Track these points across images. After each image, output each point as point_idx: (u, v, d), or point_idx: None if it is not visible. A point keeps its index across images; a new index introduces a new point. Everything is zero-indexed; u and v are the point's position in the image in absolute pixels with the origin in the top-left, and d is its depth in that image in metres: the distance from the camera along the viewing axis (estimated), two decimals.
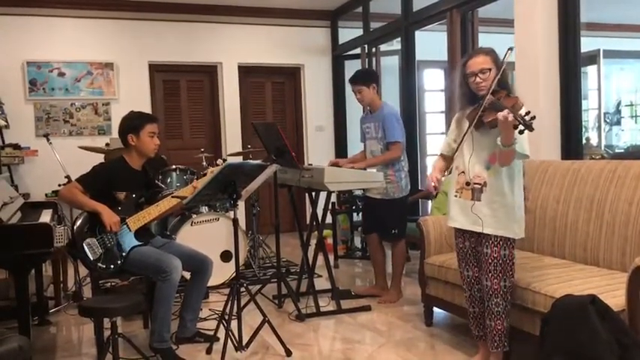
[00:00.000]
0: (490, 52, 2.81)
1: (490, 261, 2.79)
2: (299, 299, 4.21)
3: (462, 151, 2.86)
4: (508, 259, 2.79)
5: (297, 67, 7.71)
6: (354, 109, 7.54)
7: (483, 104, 2.66)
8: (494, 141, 2.66)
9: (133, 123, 3.37)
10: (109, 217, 3.19)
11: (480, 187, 2.80)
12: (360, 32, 7.10)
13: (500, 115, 2.49)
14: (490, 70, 2.75)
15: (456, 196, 2.90)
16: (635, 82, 8.91)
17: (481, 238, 2.83)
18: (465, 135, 2.78)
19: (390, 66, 7.02)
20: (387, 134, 4.23)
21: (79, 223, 3.24)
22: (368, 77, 4.37)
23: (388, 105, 4.42)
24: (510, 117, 2.45)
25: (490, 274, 2.79)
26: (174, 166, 4.98)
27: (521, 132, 2.45)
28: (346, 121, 7.68)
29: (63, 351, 3.56)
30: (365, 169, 4.26)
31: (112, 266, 3.24)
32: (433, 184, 2.83)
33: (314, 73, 7.71)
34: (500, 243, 2.78)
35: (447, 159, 2.99)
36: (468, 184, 2.83)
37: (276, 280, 4.34)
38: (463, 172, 2.86)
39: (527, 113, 2.44)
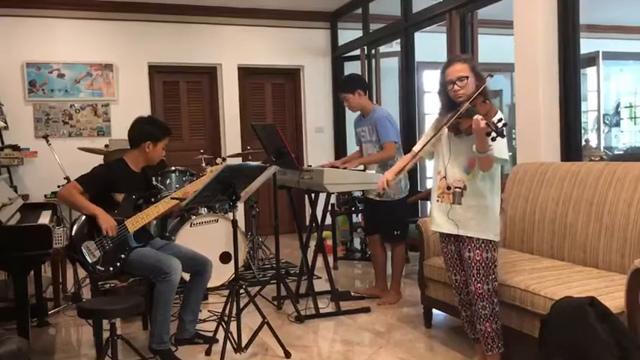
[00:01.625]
0: (467, 60, 2.85)
1: (473, 265, 2.81)
2: (298, 301, 4.21)
3: (442, 157, 2.90)
4: (490, 261, 2.81)
5: (296, 68, 7.71)
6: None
7: (460, 110, 2.70)
8: (471, 147, 2.70)
9: (153, 132, 3.39)
10: (105, 221, 3.19)
11: (460, 190, 2.83)
12: (359, 34, 7.10)
13: (473, 120, 2.54)
14: (467, 77, 2.78)
15: (438, 200, 2.93)
16: (635, 84, 8.91)
17: (463, 241, 2.85)
18: (433, 137, 2.86)
19: (389, 67, 7.03)
20: (380, 136, 4.23)
21: (77, 225, 3.24)
22: (351, 84, 4.38)
23: (379, 108, 4.46)
24: (482, 124, 2.49)
25: (473, 278, 2.81)
26: (173, 168, 4.98)
27: (493, 139, 2.49)
28: (346, 122, 7.67)
29: (62, 352, 3.56)
30: (365, 169, 4.27)
31: (111, 268, 3.24)
32: (382, 185, 2.97)
33: (314, 74, 7.71)
34: (482, 246, 2.80)
35: (414, 156, 3.05)
36: (448, 188, 2.86)
37: (275, 281, 4.34)
38: (444, 177, 2.88)
39: (500, 120, 2.49)
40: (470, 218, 2.80)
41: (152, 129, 3.40)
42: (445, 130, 2.82)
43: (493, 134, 2.46)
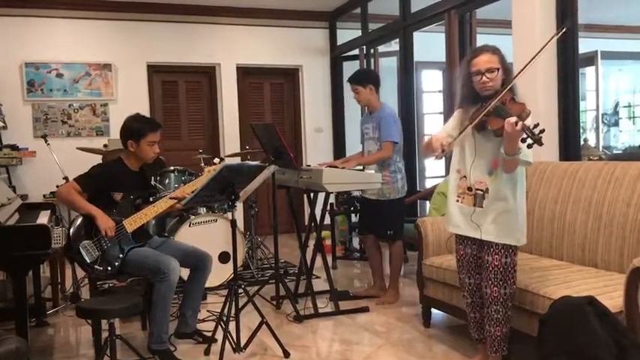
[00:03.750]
0: (496, 51, 2.71)
1: (491, 269, 2.73)
2: (297, 300, 4.21)
3: (464, 155, 2.79)
4: (510, 266, 2.73)
5: (295, 68, 7.71)
6: (352, 110, 7.53)
7: (488, 108, 2.55)
8: (497, 146, 2.60)
9: (135, 129, 3.33)
10: (103, 222, 3.18)
11: (482, 192, 2.72)
12: (358, 33, 7.10)
13: (507, 123, 2.36)
14: (498, 69, 2.66)
15: (457, 200, 2.82)
16: (633, 83, 8.92)
17: (483, 245, 2.77)
18: (459, 135, 2.66)
19: (388, 67, 7.02)
20: (382, 134, 4.24)
21: (75, 225, 3.23)
22: (365, 78, 4.39)
23: (388, 106, 4.43)
24: (518, 127, 2.34)
25: (490, 282, 2.74)
26: (172, 167, 4.98)
27: (529, 146, 2.33)
28: (345, 122, 7.69)
29: (60, 352, 3.56)
30: (364, 169, 4.27)
31: (109, 268, 3.23)
32: (440, 145, 2.62)
33: (312, 74, 7.71)
34: (502, 251, 2.72)
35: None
36: (469, 189, 2.76)
37: (274, 281, 4.34)
38: (465, 176, 2.78)
39: (536, 126, 2.32)
40: (492, 222, 2.70)
41: (133, 126, 3.35)
42: (469, 127, 2.68)
43: (529, 141, 2.29)
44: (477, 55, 2.70)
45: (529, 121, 2.40)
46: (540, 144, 2.31)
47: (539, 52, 2.58)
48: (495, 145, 2.64)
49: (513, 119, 2.37)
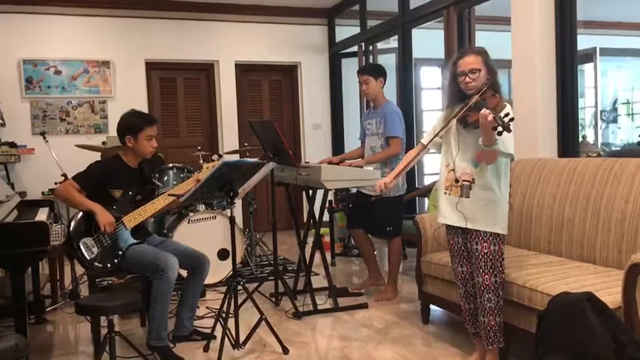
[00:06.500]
0: (481, 53, 2.83)
1: (480, 257, 2.81)
2: (296, 297, 4.22)
3: (451, 149, 2.90)
4: (498, 254, 2.81)
5: (294, 64, 7.70)
6: (351, 107, 7.55)
7: (469, 104, 2.70)
8: (479, 140, 2.70)
9: (132, 124, 3.34)
10: (103, 217, 3.18)
11: (468, 183, 2.83)
12: (357, 30, 7.09)
13: (480, 114, 2.53)
14: (480, 70, 2.77)
15: (445, 193, 2.93)
16: (632, 80, 8.93)
17: (470, 234, 2.85)
18: (442, 129, 2.86)
19: (387, 64, 6.95)
20: (387, 129, 4.24)
21: (75, 222, 3.23)
22: (377, 70, 4.40)
23: (392, 102, 4.47)
24: (490, 117, 2.48)
25: (481, 270, 2.81)
26: (170, 164, 4.98)
27: (499, 133, 2.48)
28: (343, 119, 7.68)
29: (59, 349, 3.56)
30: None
31: (108, 265, 3.24)
32: (379, 188, 3.07)
33: (311, 71, 7.70)
34: (490, 239, 2.80)
35: (422, 149, 3.05)
36: (457, 181, 2.86)
37: (273, 278, 4.34)
38: (453, 169, 2.88)
39: (507, 115, 2.48)
40: (478, 211, 2.80)
41: (130, 121, 3.36)
42: (454, 122, 2.81)
43: (499, 128, 2.45)
44: (463, 57, 2.84)
45: (503, 113, 2.54)
46: (508, 131, 2.47)
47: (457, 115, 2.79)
48: (477, 139, 2.74)
49: (487, 111, 2.52)
